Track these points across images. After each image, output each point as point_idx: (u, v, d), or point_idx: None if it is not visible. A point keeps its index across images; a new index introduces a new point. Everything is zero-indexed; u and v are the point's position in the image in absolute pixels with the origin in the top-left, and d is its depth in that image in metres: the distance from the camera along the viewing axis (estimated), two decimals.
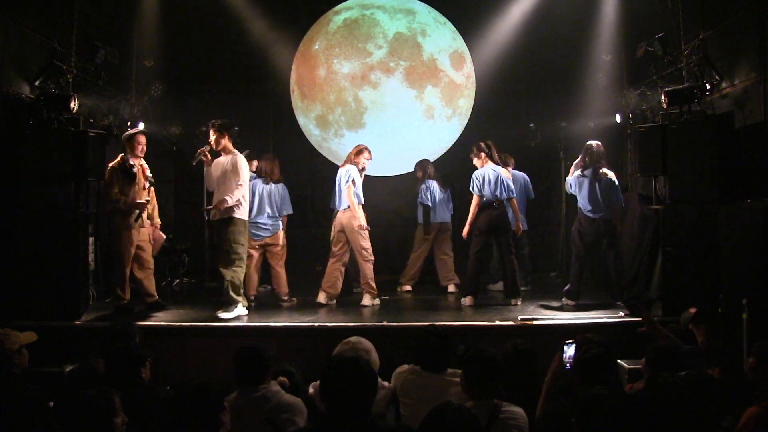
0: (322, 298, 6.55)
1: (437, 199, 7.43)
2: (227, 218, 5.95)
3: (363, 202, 6.55)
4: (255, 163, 7.12)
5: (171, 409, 2.63)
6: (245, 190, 6.02)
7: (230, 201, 5.87)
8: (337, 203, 6.60)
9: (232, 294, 5.90)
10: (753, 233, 4.95)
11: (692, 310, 4.46)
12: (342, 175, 6.52)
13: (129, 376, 3.35)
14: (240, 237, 5.99)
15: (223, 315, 5.81)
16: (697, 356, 3.63)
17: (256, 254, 6.73)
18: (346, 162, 6.66)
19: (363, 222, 6.47)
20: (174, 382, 3.99)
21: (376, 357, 3.36)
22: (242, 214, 6.00)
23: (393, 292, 7.18)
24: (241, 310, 5.93)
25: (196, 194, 8.50)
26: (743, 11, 5.76)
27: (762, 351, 3.25)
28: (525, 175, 7.61)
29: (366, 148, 6.72)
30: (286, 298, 6.66)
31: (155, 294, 6.31)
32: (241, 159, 6.01)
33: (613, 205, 6.37)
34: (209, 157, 6.12)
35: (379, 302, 6.60)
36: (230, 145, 6.07)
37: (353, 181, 6.45)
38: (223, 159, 6.06)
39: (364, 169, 6.68)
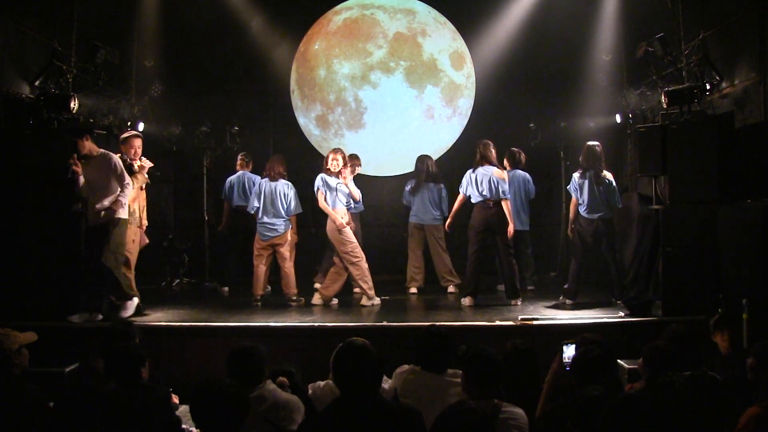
0: (316, 299, 6.58)
1: (417, 199, 7.41)
2: (112, 219, 5.65)
3: (342, 204, 6.56)
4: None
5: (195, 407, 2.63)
6: (131, 188, 5.83)
7: (124, 201, 5.68)
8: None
9: (126, 290, 5.74)
10: (753, 233, 4.95)
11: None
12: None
13: (129, 376, 3.35)
14: (125, 237, 5.81)
15: (124, 313, 5.71)
16: (694, 358, 3.62)
17: (264, 254, 6.73)
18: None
19: (340, 221, 6.49)
20: (174, 382, 4.00)
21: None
22: (125, 213, 5.77)
23: (393, 292, 7.18)
24: (134, 302, 5.80)
25: (195, 194, 8.54)
26: (743, 11, 5.76)
27: (762, 351, 3.25)
28: (526, 174, 7.59)
29: (332, 152, 6.68)
30: (294, 298, 6.66)
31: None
32: (117, 157, 5.77)
33: (611, 205, 6.39)
34: (79, 165, 5.76)
35: (379, 301, 6.61)
36: (95, 146, 5.78)
37: (319, 189, 6.52)
38: (95, 161, 5.71)
39: (340, 173, 6.63)
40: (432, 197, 7.40)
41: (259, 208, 6.70)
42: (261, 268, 6.72)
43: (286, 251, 6.74)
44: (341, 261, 6.57)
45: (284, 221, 6.71)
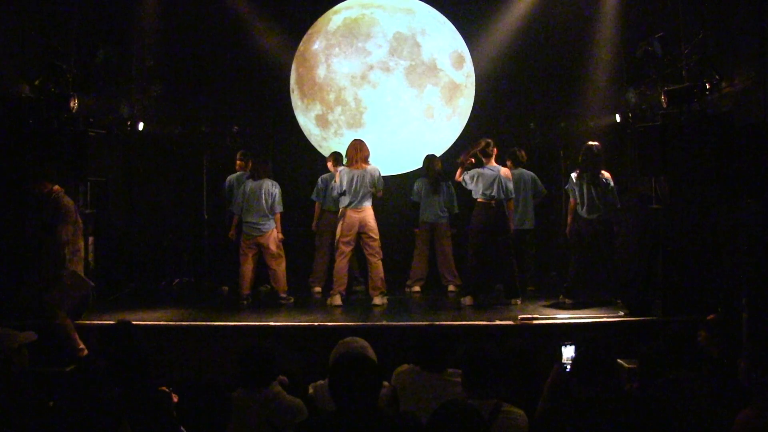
0: (338, 300, 6.52)
1: (424, 197, 7.42)
2: None
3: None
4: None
5: (179, 407, 2.63)
6: None
7: None
8: (354, 203, 6.59)
9: None
10: (753, 233, 4.95)
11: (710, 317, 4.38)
12: (371, 175, 6.60)
13: (128, 375, 3.35)
14: None
15: None
16: (693, 358, 3.62)
17: (250, 253, 6.74)
18: (361, 163, 6.63)
19: None
20: (174, 382, 4.00)
21: (372, 353, 3.37)
22: None
23: (393, 291, 7.18)
24: None
25: (195, 195, 8.53)
26: (743, 11, 5.76)
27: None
28: (532, 172, 7.58)
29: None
30: (284, 295, 6.68)
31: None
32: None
33: (609, 205, 6.40)
34: None
35: (386, 301, 6.61)
36: None
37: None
38: None
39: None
40: (432, 197, 7.42)
41: (242, 207, 6.70)
42: (246, 267, 6.73)
43: (274, 249, 6.72)
44: (375, 254, 6.61)
45: (268, 220, 6.70)
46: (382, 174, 6.80)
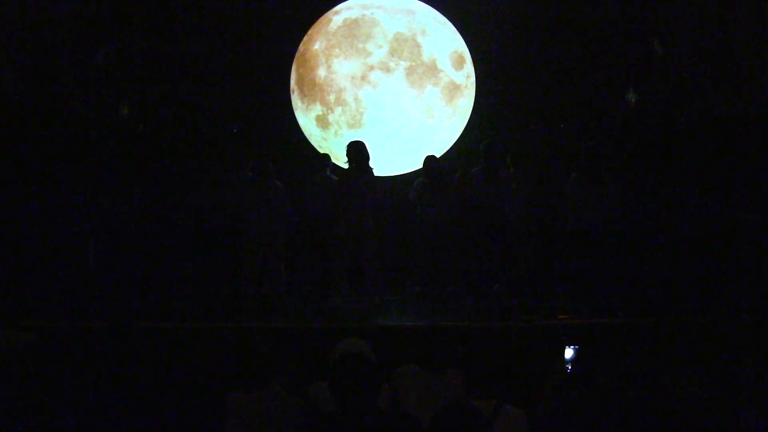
0: (338, 300, 6.55)
1: (424, 197, 7.41)
2: None
3: None
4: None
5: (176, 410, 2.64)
6: None
7: None
8: (353, 203, 6.59)
9: None
10: (753, 234, 4.96)
11: None
12: (368, 176, 6.60)
13: (129, 376, 3.35)
14: None
15: None
16: (695, 360, 3.62)
17: (254, 254, 6.73)
18: (360, 163, 6.61)
19: None
20: (173, 382, 4.00)
21: (372, 354, 3.37)
22: None
23: (393, 291, 7.18)
24: None
25: (195, 195, 8.51)
26: (744, 11, 5.77)
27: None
28: (528, 173, 7.56)
29: None
30: (284, 297, 6.67)
31: None
32: None
33: (610, 206, 6.40)
34: None
35: (386, 301, 6.62)
36: None
37: None
38: None
39: None
40: (444, 197, 7.41)
41: (248, 208, 6.67)
42: (249, 268, 6.69)
43: (279, 249, 6.72)
44: (372, 257, 6.61)
45: (275, 220, 6.69)
46: (382, 174, 6.80)
